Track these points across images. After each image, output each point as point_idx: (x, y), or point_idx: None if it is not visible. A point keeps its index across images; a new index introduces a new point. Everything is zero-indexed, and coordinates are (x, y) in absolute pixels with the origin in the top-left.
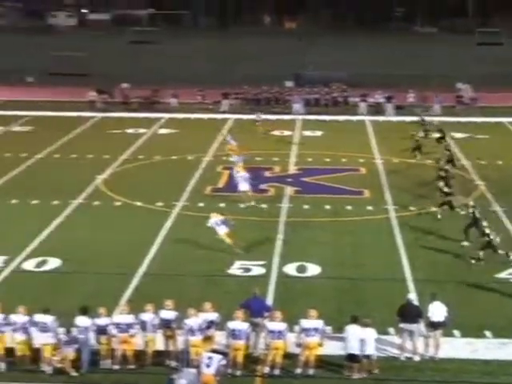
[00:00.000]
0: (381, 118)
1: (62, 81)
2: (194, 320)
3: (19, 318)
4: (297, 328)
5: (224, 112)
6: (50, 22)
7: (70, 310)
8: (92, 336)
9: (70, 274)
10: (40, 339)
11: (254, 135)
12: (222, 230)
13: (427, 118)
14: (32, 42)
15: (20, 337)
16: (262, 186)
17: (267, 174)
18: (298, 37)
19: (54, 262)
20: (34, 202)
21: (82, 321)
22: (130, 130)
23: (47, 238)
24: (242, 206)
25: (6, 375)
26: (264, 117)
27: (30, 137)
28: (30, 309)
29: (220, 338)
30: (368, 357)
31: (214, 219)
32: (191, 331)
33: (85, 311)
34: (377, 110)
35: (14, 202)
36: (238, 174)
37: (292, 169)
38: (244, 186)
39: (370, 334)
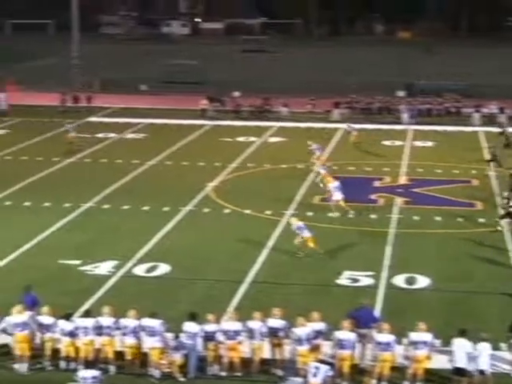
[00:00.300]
0: (494, 129)
1: (174, 89)
2: (303, 329)
3: (130, 322)
4: (405, 340)
5: (335, 121)
6: (164, 31)
7: (179, 315)
8: (200, 342)
9: (178, 280)
10: (148, 343)
11: (363, 145)
12: (306, 235)
13: None
14: (146, 51)
15: (130, 341)
16: (372, 196)
17: (377, 183)
18: (425, 48)
19: (163, 268)
20: (145, 208)
21: (190, 327)
22: (240, 139)
23: (157, 243)
24: (331, 215)
25: (116, 378)
26: (355, 127)
27: (143, 144)
28: (139, 313)
29: (327, 348)
30: (482, 372)
31: (297, 224)
32: (299, 341)
33: (193, 317)
34: (491, 120)
35: (125, 207)
36: (329, 184)
37: (403, 179)
38: (337, 196)
39: (485, 348)
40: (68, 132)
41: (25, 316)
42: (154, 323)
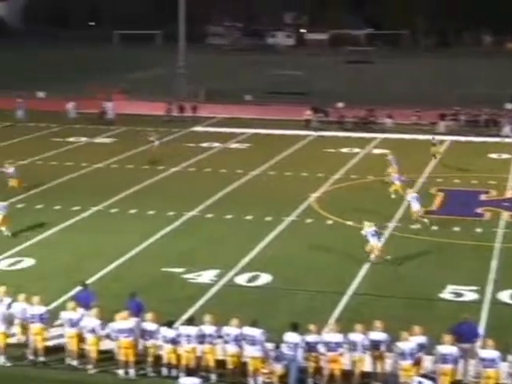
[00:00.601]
0: None
1: (279, 99)
2: (407, 344)
3: (232, 330)
4: (510, 357)
5: (441, 133)
6: (270, 42)
7: (280, 325)
8: (301, 353)
9: (280, 290)
10: (248, 352)
11: (468, 157)
12: (375, 241)
13: None
14: (251, 61)
15: (232, 349)
16: (478, 210)
17: (483, 197)
18: None
19: (265, 278)
20: (248, 217)
21: (291, 337)
22: (344, 150)
23: (259, 253)
24: (412, 226)
25: None
26: (439, 138)
27: (247, 154)
28: (241, 322)
29: (428, 362)
30: None
31: (369, 229)
32: (402, 355)
33: (294, 327)
34: None
35: (228, 216)
36: (408, 195)
37: (509, 193)
38: (416, 206)
39: None
40: (152, 142)
41: (130, 322)
42: (255, 332)
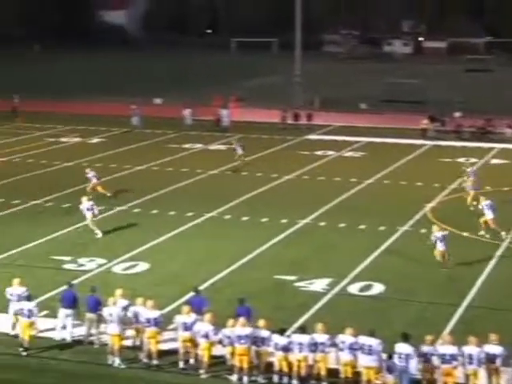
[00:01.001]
0: None
1: (394, 107)
2: None
3: (347, 338)
4: None
5: None
6: (386, 50)
7: (391, 336)
8: (413, 364)
9: (392, 300)
10: (363, 361)
11: None
12: (440, 248)
13: None
14: (367, 69)
15: (346, 358)
16: None
17: None
18: None
19: (377, 287)
20: (362, 226)
21: (403, 348)
22: (460, 159)
23: (372, 262)
24: (481, 233)
25: None
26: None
27: (361, 162)
28: (354, 331)
29: None
30: None
31: (438, 234)
32: None
33: (406, 338)
34: None
35: (342, 225)
36: (482, 203)
37: None
38: (488, 215)
39: None
40: (235, 150)
41: (247, 329)
42: (373, 342)
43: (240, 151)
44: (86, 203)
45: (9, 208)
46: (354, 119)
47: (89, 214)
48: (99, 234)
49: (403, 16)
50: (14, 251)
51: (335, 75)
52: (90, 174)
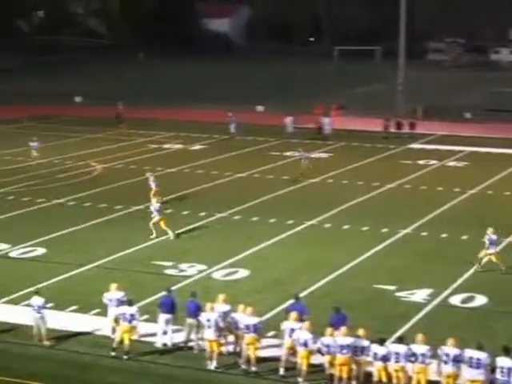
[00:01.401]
0: None
1: (500, 117)
2: None
3: (451, 350)
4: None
5: None
6: (493, 58)
7: (494, 349)
8: None
9: (495, 313)
10: (468, 375)
11: None
12: (490, 251)
13: None
14: (472, 78)
15: (449, 370)
16: None
17: None
18: None
19: (480, 299)
20: (464, 237)
21: (505, 362)
22: None
23: (474, 273)
24: None
25: None
26: None
27: (464, 172)
28: (457, 343)
29: None
30: None
31: (491, 236)
32: None
33: (507, 352)
34: None
35: (444, 235)
36: None
37: None
38: None
39: None
40: (301, 159)
41: (349, 339)
42: (481, 355)
43: (305, 160)
44: (155, 204)
45: (112, 213)
46: (458, 128)
47: (156, 215)
48: (171, 236)
49: (510, 24)
50: (115, 255)
51: (439, 84)
52: (151, 179)
